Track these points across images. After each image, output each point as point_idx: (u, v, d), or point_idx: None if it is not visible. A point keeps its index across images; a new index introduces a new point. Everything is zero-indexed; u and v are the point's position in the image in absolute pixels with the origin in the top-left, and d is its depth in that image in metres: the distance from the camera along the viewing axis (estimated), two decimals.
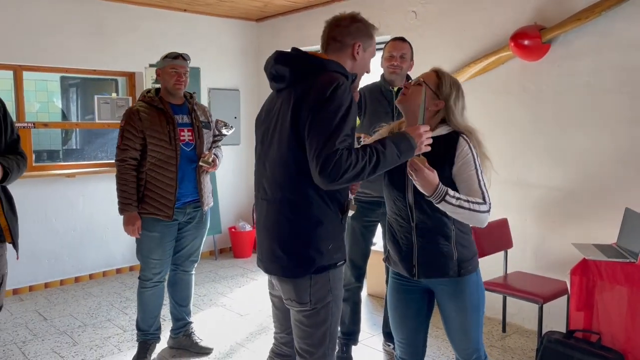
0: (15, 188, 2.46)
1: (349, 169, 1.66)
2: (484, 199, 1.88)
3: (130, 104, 5.00)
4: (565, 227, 3.45)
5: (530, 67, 3.58)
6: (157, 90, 3.08)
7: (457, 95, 1.96)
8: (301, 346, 1.93)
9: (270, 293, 2.08)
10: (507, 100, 3.73)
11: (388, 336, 3.26)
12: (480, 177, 1.91)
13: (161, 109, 2.97)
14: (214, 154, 3.12)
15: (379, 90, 2.99)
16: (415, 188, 1.88)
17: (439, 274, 1.96)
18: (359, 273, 3.09)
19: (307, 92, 1.76)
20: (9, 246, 2.39)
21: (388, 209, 2.08)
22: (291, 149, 1.78)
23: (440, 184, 1.83)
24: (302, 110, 1.74)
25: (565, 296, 3.17)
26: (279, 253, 1.85)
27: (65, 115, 7.06)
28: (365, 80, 3.02)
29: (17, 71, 4.47)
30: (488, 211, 1.88)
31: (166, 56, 3.01)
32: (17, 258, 2.42)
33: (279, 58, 1.91)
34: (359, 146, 1.79)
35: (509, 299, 3.56)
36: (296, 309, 1.89)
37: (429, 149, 1.84)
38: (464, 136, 1.93)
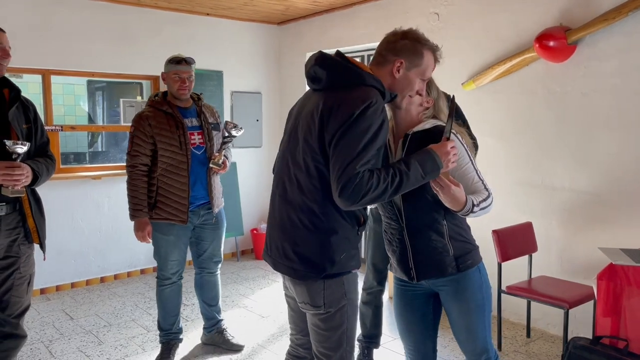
0: (43, 189, 2.51)
1: (369, 191, 1.64)
2: (486, 188, 1.88)
3: None
4: (591, 231, 3.39)
5: (555, 68, 3.53)
6: (165, 93, 3.09)
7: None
8: (319, 349, 1.92)
9: (285, 294, 2.06)
10: (532, 102, 3.68)
11: None
12: (476, 167, 1.90)
13: (170, 113, 2.98)
14: (224, 156, 3.13)
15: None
16: None
17: (436, 273, 1.91)
18: (381, 277, 3.08)
19: (337, 106, 1.71)
20: (36, 247, 2.45)
21: (380, 212, 2.03)
22: (315, 160, 1.76)
23: (468, 197, 1.80)
24: (330, 125, 1.71)
25: (592, 301, 3.11)
26: (290, 255, 1.83)
27: (91, 119, 7.19)
28: None
29: (46, 75, 4.58)
30: (493, 200, 1.88)
31: (170, 61, 3.01)
32: (44, 259, 2.47)
33: (320, 59, 1.86)
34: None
35: (533, 303, 3.51)
36: (311, 312, 1.88)
37: (455, 165, 1.80)
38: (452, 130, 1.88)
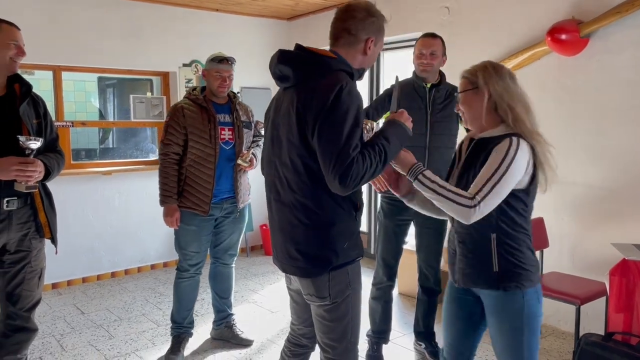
0: (55, 185, 2.53)
1: (365, 173, 1.68)
2: (474, 195, 1.71)
3: (165, 103, 5.11)
4: (603, 226, 3.35)
5: (567, 62, 3.49)
6: (203, 88, 3.17)
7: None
8: (324, 341, 1.93)
9: (288, 287, 2.08)
10: (544, 96, 3.64)
11: (419, 335, 3.23)
12: (493, 176, 1.72)
13: (204, 107, 3.05)
14: (252, 154, 3.18)
15: (412, 87, 2.94)
16: None
17: (476, 283, 1.88)
18: (391, 272, 3.07)
19: (310, 98, 1.73)
20: (47, 242, 2.47)
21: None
22: (301, 156, 1.77)
23: (419, 164, 1.84)
24: (307, 117, 1.72)
25: (604, 297, 3.08)
26: (294, 254, 1.85)
27: (102, 115, 7.24)
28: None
29: (57, 72, 4.61)
30: (469, 207, 1.70)
31: (212, 59, 3.08)
32: (56, 253, 2.49)
33: (282, 57, 1.89)
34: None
35: (544, 299, 3.47)
36: (316, 304, 1.89)
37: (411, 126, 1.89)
38: (516, 137, 1.77)
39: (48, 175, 2.31)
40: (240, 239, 3.40)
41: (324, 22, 5.37)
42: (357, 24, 1.86)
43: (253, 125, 3.28)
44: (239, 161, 3.12)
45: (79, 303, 4.21)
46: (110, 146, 7.26)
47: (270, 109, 2.00)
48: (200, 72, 5.10)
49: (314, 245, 1.82)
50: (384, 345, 3.18)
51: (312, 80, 1.78)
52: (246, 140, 3.20)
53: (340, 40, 1.90)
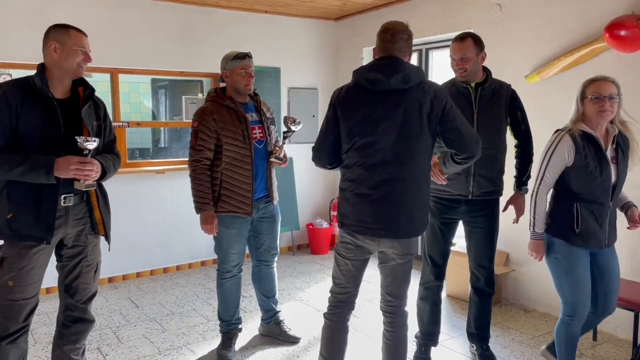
0: (112, 183, 2.63)
1: None
2: None
3: None
4: None
5: (626, 59, 3.36)
6: (223, 89, 3.13)
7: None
8: (400, 291, 2.42)
9: (353, 259, 2.40)
10: None
11: (471, 337, 3.19)
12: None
13: (232, 108, 3.03)
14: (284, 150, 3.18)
15: (456, 88, 2.87)
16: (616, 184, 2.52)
17: (613, 242, 2.64)
18: (438, 272, 3.04)
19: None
20: (103, 238, 2.57)
21: (585, 195, 2.51)
22: (426, 143, 2.28)
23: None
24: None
25: None
26: (414, 221, 2.29)
27: (155, 115, 7.47)
28: (438, 79, 2.96)
29: (114, 74, 4.79)
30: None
31: (234, 57, 3.03)
32: (109, 249, 2.58)
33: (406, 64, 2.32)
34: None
35: None
36: (405, 260, 2.37)
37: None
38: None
39: (104, 174, 2.40)
40: (284, 238, 3.43)
41: (372, 21, 5.36)
42: (407, 43, 2.38)
43: (281, 121, 3.26)
44: (273, 158, 3.09)
45: (133, 297, 4.37)
46: (163, 146, 7.48)
47: (372, 112, 2.28)
48: None
49: (423, 210, 2.35)
50: (432, 348, 3.15)
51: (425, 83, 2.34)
52: (273, 137, 3.20)
53: (408, 55, 2.38)
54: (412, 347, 3.28)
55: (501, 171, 2.93)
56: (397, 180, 2.24)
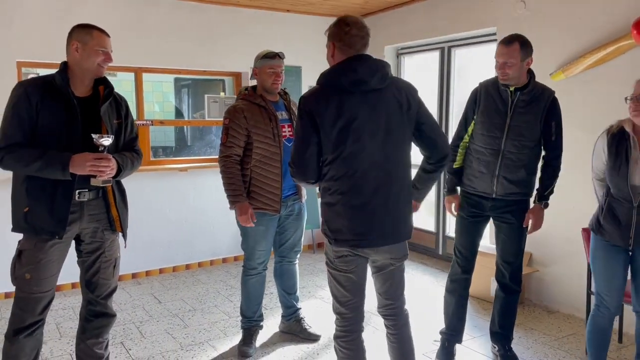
0: (135, 181, 2.66)
1: None
2: None
3: None
4: None
5: None
6: (254, 87, 3.16)
7: None
8: (399, 292, 2.36)
9: (352, 270, 2.23)
10: (628, 93, 3.43)
11: (493, 336, 3.16)
12: None
13: (263, 106, 3.06)
14: None
15: (497, 89, 2.86)
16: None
17: None
18: (467, 265, 3.06)
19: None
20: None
21: (615, 192, 2.52)
22: (407, 143, 2.23)
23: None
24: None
25: None
26: (408, 222, 2.25)
27: (178, 114, 7.57)
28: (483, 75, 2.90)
29: (138, 73, 4.87)
30: None
31: (264, 56, 3.08)
32: (125, 246, 2.60)
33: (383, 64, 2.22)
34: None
35: (626, 307, 3.28)
36: (402, 262, 2.33)
37: None
38: None
39: (119, 173, 2.40)
40: (305, 236, 3.45)
41: (394, 19, 5.33)
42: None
43: None
44: None
45: (156, 293, 4.44)
46: (186, 144, 7.57)
47: (354, 111, 2.12)
48: None
49: (411, 214, 2.30)
50: (457, 346, 3.15)
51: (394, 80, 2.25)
52: None
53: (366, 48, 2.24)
54: (433, 346, 3.27)
55: (529, 176, 2.89)
56: (390, 184, 2.16)
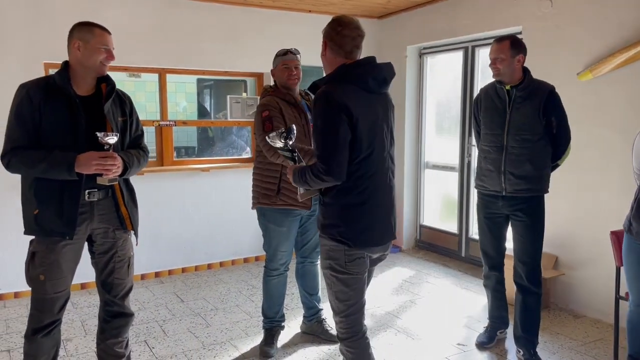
0: (158, 180, 2.69)
1: None
2: None
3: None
4: None
5: None
6: (276, 85, 3.16)
7: None
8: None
9: (363, 272, 2.25)
10: None
11: (517, 341, 3.14)
12: None
13: (293, 103, 3.06)
14: None
15: (494, 89, 3.05)
16: None
17: None
18: (493, 262, 3.20)
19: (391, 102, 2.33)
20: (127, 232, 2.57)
21: None
22: (393, 148, 2.29)
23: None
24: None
25: None
26: (395, 224, 2.33)
27: (200, 114, 7.63)
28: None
29: (162, 74, 4.92)
30: None
31: (276, 55, 3.10)
32: (137, 244, 2.59)
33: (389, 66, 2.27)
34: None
35: None
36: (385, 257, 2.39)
37: None
38: None
39: (125, 171, 2.39)
40: None
41: (416, 19, 5.29)
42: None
43: None
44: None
45: (179, 292, 4.48)
46: (208, 144, 7.63)
47: (363, 111, 2.11)
48: None
49: None
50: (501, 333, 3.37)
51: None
52: None
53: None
54: (456, 349, 3.23)
55: (537, 171, 2.94)
56: (393, 184, 2.29)
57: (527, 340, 3.06)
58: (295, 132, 2.27)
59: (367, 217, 2.16)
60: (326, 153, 2.04)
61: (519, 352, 3.11)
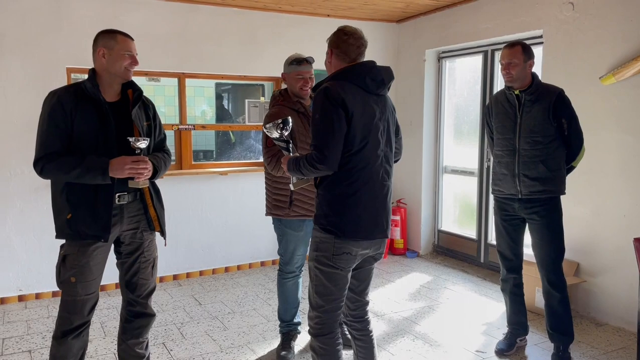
0: (177, 184, 2.72)
1: None
2: None
3: None
4: None
5: None
6: (286, 90, 3.15)
7: None
8: (368, 290, 2.55)
9: (348, 268, 2.34)
10: None
11: (550, 336, 3.17)
12: None
13: (302, 112, 3.05)
14: None
15: (504, 94, 3.10)
16: None
17: None
18: (510, 265, 3.21)
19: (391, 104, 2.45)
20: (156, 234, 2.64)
21: None
22: (392, 150, 2.42)
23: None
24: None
25: None
26: (390, 222, 2.43)
27: (218, 118, 7.67)
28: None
29: (181, 78, 4.96)
30: None
31: (291, 62, 3.07)
32: (165, 245, 2.66)
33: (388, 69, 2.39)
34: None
35: None
36: (380, 257, 2.47)
37: None
38: None
39: (156, 173, 2.47)
40: None
41: (435, 23, 5.27)
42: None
43: None
44: None
45: (196, 294, 4.50)
46: (226, 148, 7.67)
47: (365, 110, 2.26)
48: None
49: None
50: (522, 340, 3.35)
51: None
52: None
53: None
54: (475, 355, 3.19)
55: (552, 173, 2.97)
56: (388, 181, 2.37)
57: (554, 336, 3.13)
58: (291, 123, 2.41)
59: (356, 208, 2.26)
60: (321, 143, 2.19)
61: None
